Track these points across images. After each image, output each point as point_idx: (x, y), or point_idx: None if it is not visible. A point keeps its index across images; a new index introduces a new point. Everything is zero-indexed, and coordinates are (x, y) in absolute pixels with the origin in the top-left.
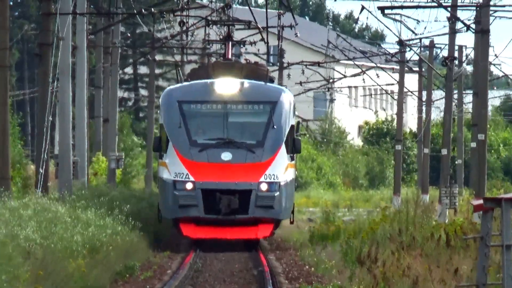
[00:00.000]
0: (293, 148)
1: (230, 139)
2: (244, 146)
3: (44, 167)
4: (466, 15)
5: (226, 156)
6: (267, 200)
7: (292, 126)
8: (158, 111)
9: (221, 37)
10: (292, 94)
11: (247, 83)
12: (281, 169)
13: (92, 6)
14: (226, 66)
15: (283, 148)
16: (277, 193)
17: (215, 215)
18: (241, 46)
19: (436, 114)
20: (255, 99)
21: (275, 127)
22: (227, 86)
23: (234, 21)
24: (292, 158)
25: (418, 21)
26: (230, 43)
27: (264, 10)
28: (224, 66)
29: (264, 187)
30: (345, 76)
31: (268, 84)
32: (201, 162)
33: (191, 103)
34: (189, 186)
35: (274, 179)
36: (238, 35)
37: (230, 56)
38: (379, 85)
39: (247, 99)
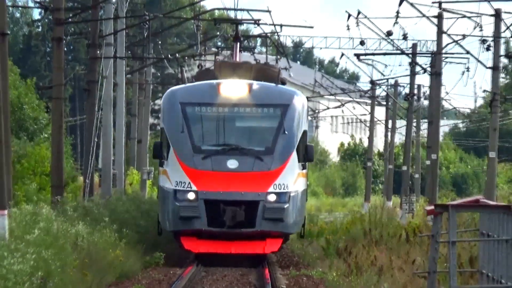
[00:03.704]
0: (305, 156)
1: (237, 145)
2: (252, 153)
3: (90, 178)
4: (423, 61)
5: (232, 164)
6: (275, 213)
7: (305, 132)
8: (159, 115)
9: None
10: (305, 97)
11: (256, 84)
12: (292, 178)
13: (129, 52)
14: (234, 66)
15: (294, 156)
16: (286, 205)
17: (219, 228)
18: (252, 52)
19: (399, 138)
20: (265, 101)
21: (286, 132)
22: (234, 87)
23: (242, 19)
24: (303, 167)
25: (386, 65)
26: (238, 43)
27: (265, 56)
28: (231, 67)
29: (272, 198)
30: (328, 108)
31: (279, 86)
32: (205, 170)
33: (195, 106)
34: (191, 196)
35: (283, 189)
36: None
37: (238, 58)
38: (355, 115)
39: (255, 102)
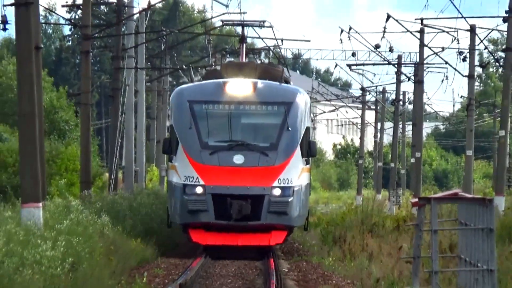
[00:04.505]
0: (309, 152)
1: (243, 141)
2: (257, 149)
3: (115, 174)
4: (408, 70)
5: (238, 159)
6: (280, 206)
7: (308, 128)
8: (169, 112)
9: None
10: (308, 96)
11: (260, 83)
12: (296, 173)
13: (148, 63)
14: (239, 66)
15: (297, 151)
16: (291, 199)
17: (226, 221)
18: (256, 56)
19: (387, 138)
20: (269, 99)
21: (289, 129)
22: (240, 86)
23: (248, 21)
24: (307, 162)
25: (374, 74)
26: (245, 45)
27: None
28: (237, 66)
29: (277, 192)
30: (324, 112)
31: (282, 84)
32: (212, 165)
33: (203, 103)
34: (199, 190)
35: (288, 183)
36: None
37: (244, 59)
38: (348, 118)
39: (260, 100)
